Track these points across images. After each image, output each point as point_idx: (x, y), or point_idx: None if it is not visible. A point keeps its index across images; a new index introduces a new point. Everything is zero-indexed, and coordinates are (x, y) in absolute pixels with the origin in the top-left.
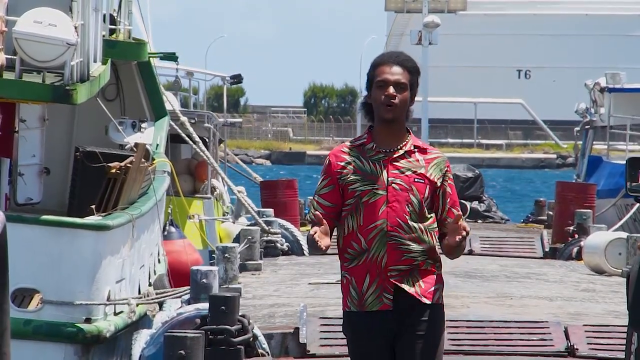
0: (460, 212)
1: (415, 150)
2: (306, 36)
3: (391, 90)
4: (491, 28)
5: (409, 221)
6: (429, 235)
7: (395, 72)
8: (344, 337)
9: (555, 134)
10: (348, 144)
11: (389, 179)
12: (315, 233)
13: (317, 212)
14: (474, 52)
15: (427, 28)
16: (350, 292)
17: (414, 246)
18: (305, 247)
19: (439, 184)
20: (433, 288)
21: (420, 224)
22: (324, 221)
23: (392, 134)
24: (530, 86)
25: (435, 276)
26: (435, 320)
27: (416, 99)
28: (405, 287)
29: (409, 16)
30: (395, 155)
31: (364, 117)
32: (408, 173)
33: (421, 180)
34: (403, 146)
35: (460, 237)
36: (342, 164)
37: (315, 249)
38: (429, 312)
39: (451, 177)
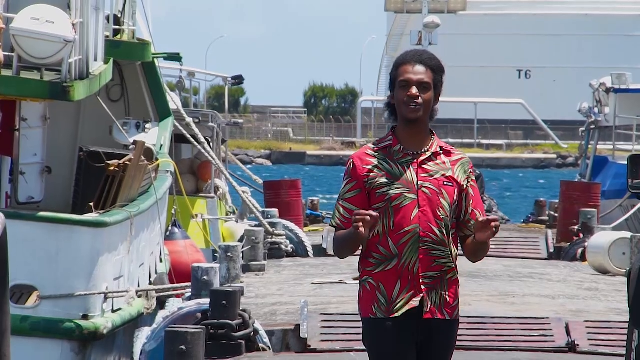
0: (485, 218)
1: (441, 152)
2: (306, 36)
3: (414, 90)
4: (491, 28)
5: (440, 225)
6: (451, 240)
7: (418, 72)
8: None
9: (556, 134)
10: (372, 146)
11: (419, 182)
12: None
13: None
14: (474, 52)
15: (427, 28)
16: (378, 299)
17: (444, 252)
18: (309, 248)
19: (464, 186)
20: (455, 303)
21: (447, 229)
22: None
23: (416, 135)
24: (530, 86)
25: (456, 289)
26: (452, 337)
27: None
28: (431, 300)
29: (408, 16)
30: (422, 158)
31: (388, 118)
32: (437, 176)
33: (450, 184)
34: (430, 148)
35: (491, 231)
36: (369, 167)
37: (354, 240)
38: (448, 329)
39: (474, 178)
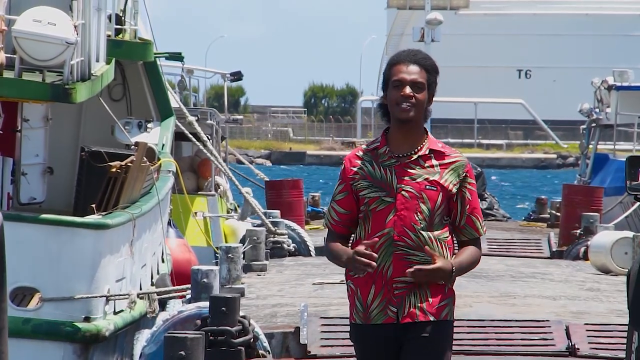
0: (429, 249)
1: (432, 154)
2: (306, 36)
3: (407, 90)
4: (491, 28)
5: (417, 230)
6: (439, 245)
7: (412, 71)
8: (350, 342)
9: (556, 134)
10: (364, 147)
11: (398, 185)
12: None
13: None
14: (474, 52)
15: (429, 25)
16: (356, 304)
17: (422, 256)
18: (312, 247)
19: (454, 190)
20: (441, 303)
21: (430, 233)
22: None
23: (408, 136)
24: (530, 86)
25: (445, 289)
26: (440, 338)
27: None
28: (410, 303)
29: (409, 15)
30: (408, 161)
31: (381, 118)
32: (419, 180)
33: (433, 188)
34: (418, 151)
35: (410, 273)
36: (355, 169)
37: (347, 266)
38: (434, 329)
39: (472, 181)
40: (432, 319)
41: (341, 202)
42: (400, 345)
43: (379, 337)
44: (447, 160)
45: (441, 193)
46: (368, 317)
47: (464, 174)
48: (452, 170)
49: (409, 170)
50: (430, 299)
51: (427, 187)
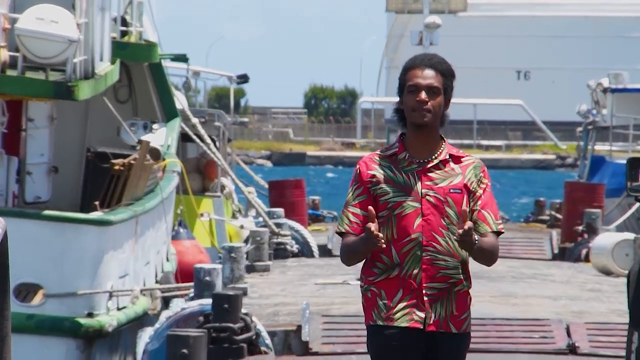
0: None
1: (450, 159)
2: (306, 37)
3: (423, 95)
4: (490, 29)
5: (445, 235)
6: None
7: (428, 76)
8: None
9: (555, 135)
10: (379, 152)
11: (423, 190)
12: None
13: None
14: (473, 54)
15: (428, 29)
16: (378, 304)
17: (451, 261)
18: (315, 249)
19: (474, 189)
20: (463, 315)
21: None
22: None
23: (425, 141)
24: (529, 87)
25: (467, 301)
26: (459, 350)
27: None
28: (436, 312)
29: (408, 17)
30: (429, 166)
31: (397, 124)
32: (443, 184)
33: (457, 190)
34: (438, 155)
35: (464, 239)
36: (373, 172)
37: (366, 249)
38: (455, 342)
39: (487, 182)
40: (454, 331)
41: (360, 205)
42: (422, 354)
43: (402, 339)
44: (464, 163)
45: (465, 195)
46: (391, 317)
47: (480, 174)
48: (472, 170)
49: (431, 175)
50: (455, 311)
51: (452, 190)
